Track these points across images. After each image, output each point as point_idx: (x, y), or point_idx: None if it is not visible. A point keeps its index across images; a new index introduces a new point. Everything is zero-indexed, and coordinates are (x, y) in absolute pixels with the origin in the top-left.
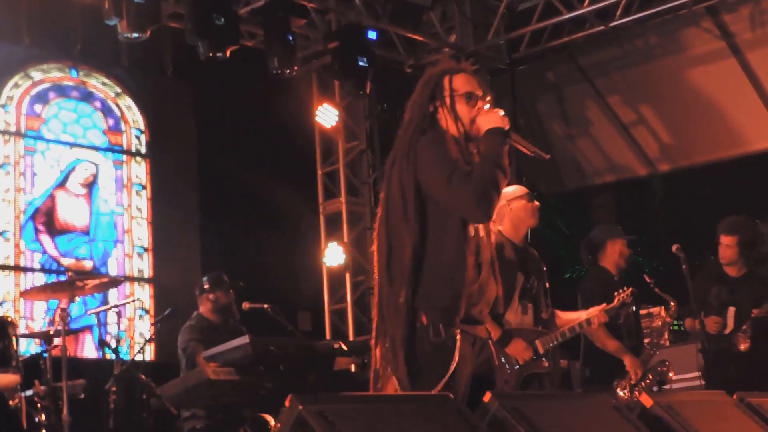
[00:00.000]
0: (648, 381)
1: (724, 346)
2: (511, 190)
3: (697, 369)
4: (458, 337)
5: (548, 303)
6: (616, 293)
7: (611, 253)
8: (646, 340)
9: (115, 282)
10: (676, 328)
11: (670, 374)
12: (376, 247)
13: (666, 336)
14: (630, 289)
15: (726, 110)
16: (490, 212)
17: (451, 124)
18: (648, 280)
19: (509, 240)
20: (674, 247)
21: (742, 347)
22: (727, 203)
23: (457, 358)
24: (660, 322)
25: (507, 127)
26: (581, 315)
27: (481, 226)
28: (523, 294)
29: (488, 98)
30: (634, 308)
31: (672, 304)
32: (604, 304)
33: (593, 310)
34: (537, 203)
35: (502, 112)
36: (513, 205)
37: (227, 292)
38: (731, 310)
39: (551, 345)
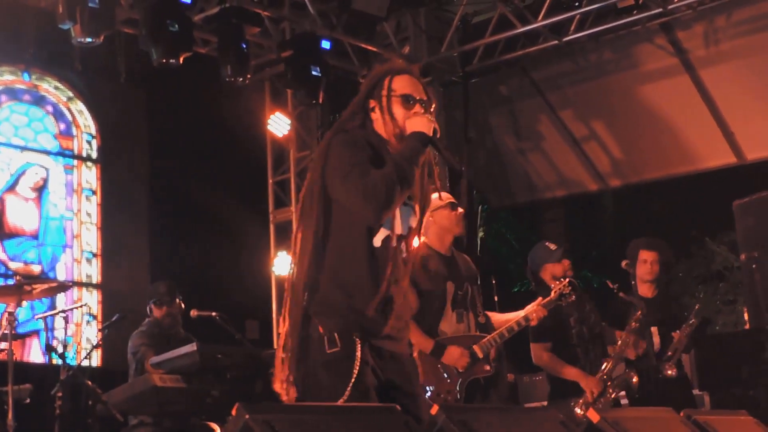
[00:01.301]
0: (609, 396)
1: (651, 365)
2: (433, 200)
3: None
4: (358, 347)
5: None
6: (553, 285)
7: (549, 279)
8: (610, 349)
9: (64, 287)
10: None
11: (634, 379)
12: (294, 248)
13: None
14: (567, 280)
15: (678, 127)
16: (379, 211)
17: (385, 124)
18: (611, 285)
19: (435, 251)
20: (623, 263)
21: (670, 373)
22: (677, 220)
23: (357, 367)
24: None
25: (430, 134)
26: (519, 313)
27: (396, 239)
28: (456, 303)
29: (432, 106)
30: (574, 297)
31: (639, 305)
32: (540, 299)
33: (530, 307)
34: (461, 211)
35: (431, 118)
36: (436, 216)
37: (160, 305)
38: (654, 330)
39: (491, 347)
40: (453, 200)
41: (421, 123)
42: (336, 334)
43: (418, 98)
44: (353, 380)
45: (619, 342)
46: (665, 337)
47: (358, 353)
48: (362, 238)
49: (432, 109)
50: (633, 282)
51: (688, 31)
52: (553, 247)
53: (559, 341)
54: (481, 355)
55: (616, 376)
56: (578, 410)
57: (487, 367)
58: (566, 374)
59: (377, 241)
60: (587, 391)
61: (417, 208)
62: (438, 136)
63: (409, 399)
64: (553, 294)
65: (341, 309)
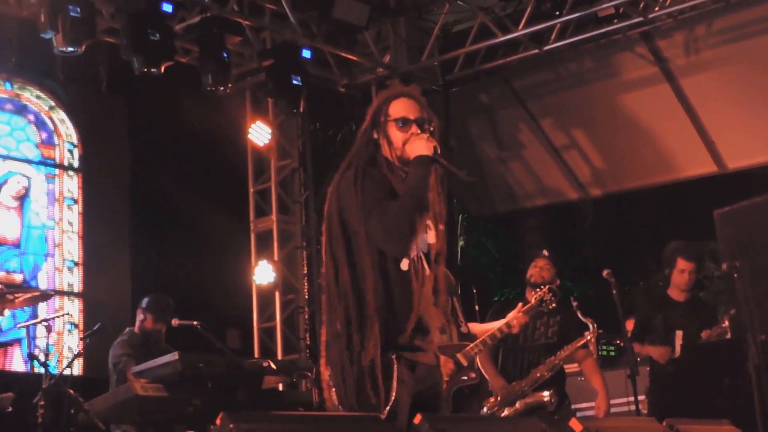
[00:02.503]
0: (518, 406)
1: (668, 371)
2: None
3: (627, 394)
4: (395, 362)
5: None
6: (533, 292)
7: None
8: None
9: (45, 296)
10: (605, 354)
11: (546, 398)
12: (324, 270)
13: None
14: (546, 287)
15: (658, 136)
16: (403, 246)
17: (387, 150)
18: (573, 302)
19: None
20: (605, 272)
21: None
22: (658, 229)
23: (395, 383)
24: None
25: (431, 153)
26: (500, 321)
27: (416, 259)
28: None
29: (430, 123)
30: (554, 305)
31: (593, 326)
32: (520, 305)
33: (512, 314)
34: (441, 227)
35: (426, 137)
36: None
37: (158, 321)
38: (678, 333)
39: (475, 355)
40: None
41: (420, 145)
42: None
43: (413, 119)
44: (392, 396)
45: (553, 358)
46: (690, 341)
47: (395, 371)
48: (391, 264)
49: (433, 126)
50: (614, 291)
51: (668, 40)
52: (539, 251)
53: (498, 346)
54: (465, 363)
55: (535, 392)
56: (485, 410)
57: (473, 375)
58: (485, 373)
59: (404, 266)
60: (494, 394)
61: (430, 222)
62: (439, 151)
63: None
64: (533, 300)
65: (377, 330)
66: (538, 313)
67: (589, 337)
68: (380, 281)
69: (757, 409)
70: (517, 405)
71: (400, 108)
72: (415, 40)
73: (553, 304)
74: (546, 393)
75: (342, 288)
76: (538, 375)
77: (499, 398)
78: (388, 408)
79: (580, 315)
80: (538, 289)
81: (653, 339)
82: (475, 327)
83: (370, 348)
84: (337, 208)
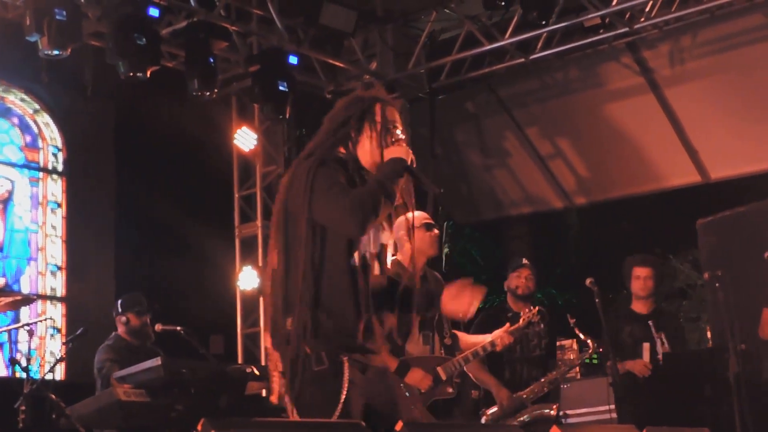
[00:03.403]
0: (523, 416)
1: (635, 381)
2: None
3: (608, 402)
4: (345, 364)
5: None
6: (522, 312)
7: (511, 288)
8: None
9: (28, 300)
10: (587, 361)
11: (552, 411)
12: (271, 270)
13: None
14: (536, 308)
15: (643, 146)
16: (361, 224)
17: (368, 150)
18: (570, 319)
19: (407, 271)
20: (588, 281)
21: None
22: (642, 238)
23: (346, 385)
24: (572, 356)
25: (408, 161)
26: (486, 337)
27: (369, 257)
28: (423, 324)
29: (400, 130)
30: (542, 326)
31: (591, 344)
32: (507, 324)
33: (497, 332)
34: (436, 232)
35: (404, 144)
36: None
37: (140, 314)
38: (645, 346)
39: (454, 370)
40: (429, 221)
41: (400, 151)
42: (323, 353)
43: (400, 129)
44: (342, 400)
45: (554, 372)
46: (655, 353)
47: (346, 373)
48: (342, 259)
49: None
50: (597, 300)
51: (653, 50)
52: (520, 259)
53: (491, 354)
54: (444, 378)
55: (538, 402)
56: (483, 420)
57: (450, 390)
58: (484, 382)
59: (355, 260)
60: (498, 403)
61: (386, 224)
62: (414, 165)
63: (392, 417)
64: (521, 321)
65: (326, 330)
66: (535, 325)
67: (590, 353)
68: (333, 276)
69: (737, 417)
70: (525, 417)
71: (395, 117)
72: (402, 48)
73: (541, 325)
74: (553, 406)
75: (301, 283)
76: (540, 388)
77: (504, 406)
78: (338, 410)
79: (578, 332)
80: (527, 310)
81: (623, 355)
82: (462, 338)
83: (319, 350)
84: (284, 197)
